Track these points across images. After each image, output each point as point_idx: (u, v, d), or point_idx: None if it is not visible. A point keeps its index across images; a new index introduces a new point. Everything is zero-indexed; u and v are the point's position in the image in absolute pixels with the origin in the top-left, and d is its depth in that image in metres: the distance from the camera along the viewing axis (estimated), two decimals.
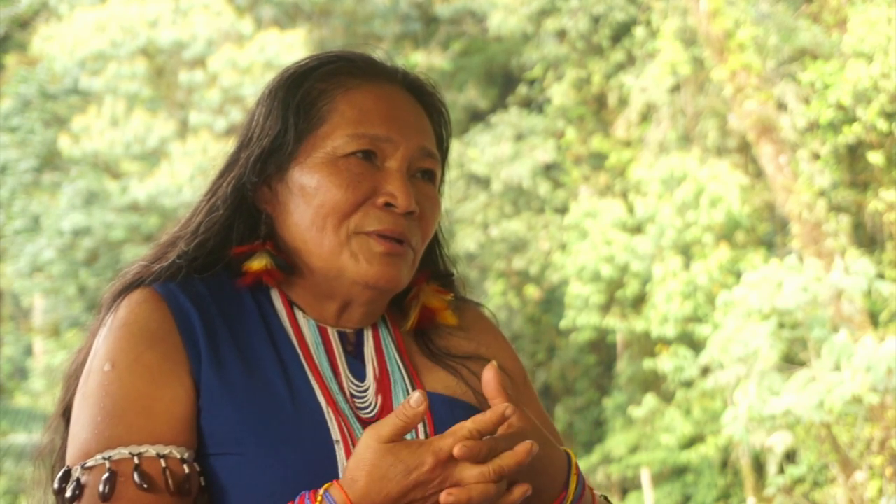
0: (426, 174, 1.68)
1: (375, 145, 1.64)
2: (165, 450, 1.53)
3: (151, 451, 1.52)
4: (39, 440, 1.71)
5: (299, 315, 1.67)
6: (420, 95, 1.72)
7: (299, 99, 1.65)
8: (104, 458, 1.52)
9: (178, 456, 1.53)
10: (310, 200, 1.62)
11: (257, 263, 1.65)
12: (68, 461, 1.56)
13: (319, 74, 1.67)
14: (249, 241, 1.67)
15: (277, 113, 1.66)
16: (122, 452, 1.52)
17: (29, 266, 18.50)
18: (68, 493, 1.52)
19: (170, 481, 1.51)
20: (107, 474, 1.50)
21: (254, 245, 1.66)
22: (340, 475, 1.58)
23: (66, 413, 1.66)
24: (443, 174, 1.75)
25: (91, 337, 1.67)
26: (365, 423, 1.63)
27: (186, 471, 1.53)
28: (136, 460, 1.51)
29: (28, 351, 20.55)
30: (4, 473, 15.19)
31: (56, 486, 1.54)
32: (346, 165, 1.63)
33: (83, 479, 1.52)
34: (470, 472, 1.43)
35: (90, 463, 1.52)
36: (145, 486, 1.50)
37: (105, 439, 1.53)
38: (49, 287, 18.98)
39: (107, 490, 1.50)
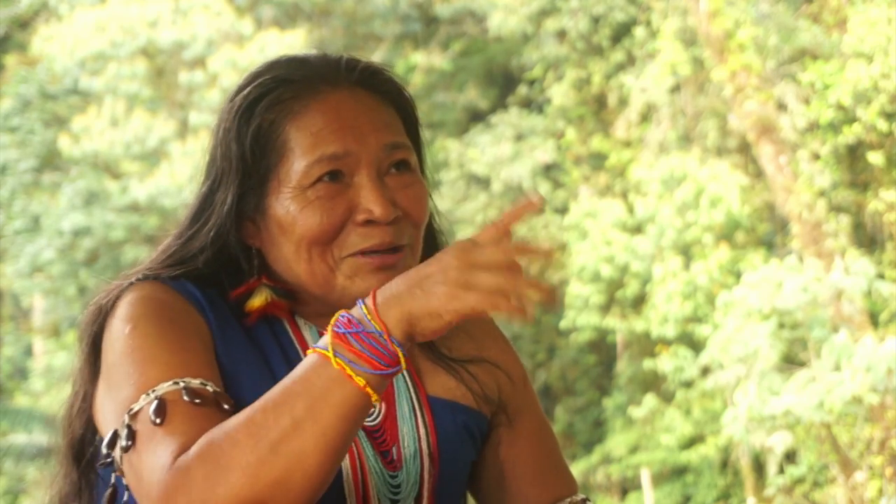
0: (400, 165, 1.64)
1: (337, 164, 1.59)
2: (208, 382, 1.49)
3: (194, 382, 1.48)
4: (49, 484, 1.67)
5: (301, 322, 1.67)
6: (373, 85, 1.66)
7: (251, 138, 1.61)
8: (148, 395, 1.47)
9: (220, 390, 1.50)
10: (290, 236, 1.59)
11: (259, 300, 1.63)
12: (113, 426, 1.50)
13: (265, 105, 1.62)
14: (240, 279, 1.64)
15: (236, 154, 1.62)
16: (164, 386, 1.47)
17: (29, 266, 18.51)
18: (123, 443, 1.46)
19: (221, 401, 1.48)
20: (155, 403, 1.45)
21: (250, 283, 1.64)
22: (344, 485, 1.57)
23: (71, 453, 1.64)
24: (421, 155, 1.71)
25: (80, 374, 1.63)
26: (367, 431, 1.62)
27: (232, 401, 1.50)
28: (181, 385, 1.47)
29: (28, 351, 20.55)
30: (4, 473, 15.18)
31: (105, 450, 1.49)
32: (315, 194, 1.59)
33: (134, 426, 1.46)
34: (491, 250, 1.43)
35: (136, 407, 1.47)
36: (197, 400, 1.46)
37: (144, 383, 1.48)
38: (49, 287, 19.00)
39: (158, 418, 1.44)
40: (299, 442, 1.38)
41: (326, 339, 1.40)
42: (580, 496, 1.74)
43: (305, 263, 1.60)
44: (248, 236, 1.64)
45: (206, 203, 1.65)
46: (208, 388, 1.48)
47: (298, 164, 1.60)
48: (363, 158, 1.61)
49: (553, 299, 1.43)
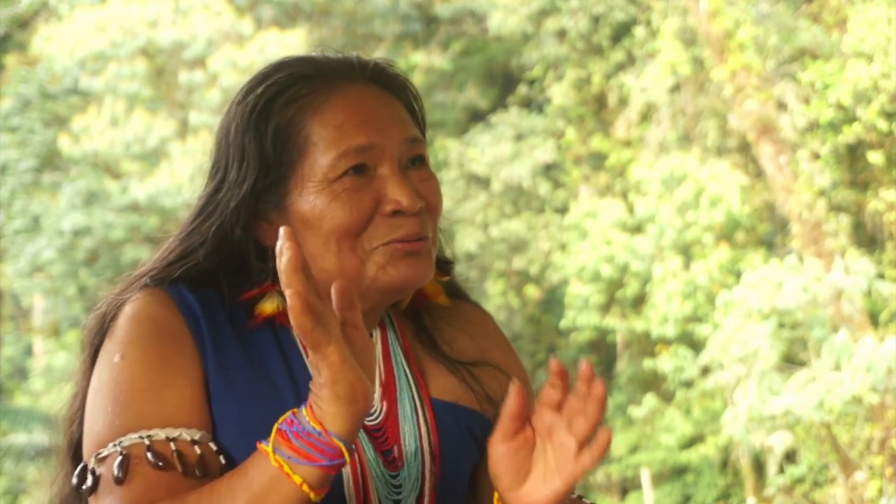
0: (416, 160, 1.66)
1: (363, 157, 1.61)
2: (175, 432, 1.52)
3: (161, 434, 1.52)
4: (50, 482, 1.70)
5: None
6: (384, 81, 1.68)
7: (272, 136, 1.62)
8: (115, 445, 1.52)
9: (188, 438, 1.53)
10: (317, 230, 1.60)
11: (269, 306, 1.64)
12: (84, 457, 1.56)
13: (283, 102, 1.63)
14: (244, 279, 1.65)
15: (254, 153, 1.62)
16: (132, 438, 1.52)
17: (29, 266, 18.50)
18: (87, 484, 1.52)
19: (177, 464, 1.51)
20: (119, 458, 1.50)
21: (264, 287, 1.65)
22: (344, 485, 1.58)
23: (70, 453, 1.66)
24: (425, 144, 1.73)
25: (82, 380, 1.65)
26: (368, 431, 1.63)
27: (198, 452, 1.53)
28: (146, 442, 1.51)
29: (28, 351, 20.54)
30: (4, 473, 15.19)
31: (75, 481, 1.54)
32: (342, 187, 1.60)
33: (98, 470, 1.51)
34: None
35: (104, 453, 1.52)
36: (160, 463, 1.50)
37: (116, 428, 1.53)
38: (49, 287, 18.99)
39: (120, 474, 1.49)
40: None
41: (271, 436, 1.43)
42: (576, 494, 1.74)
43: (334, 257, 1.60)
44: (265, 237, 1.64)
45: (209, 202, 1.66)
46: (172, 445, 1.51)
47: (324, 158, 1.61)
48: (387, 151, 1.62)
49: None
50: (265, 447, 1.42)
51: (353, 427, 1.42)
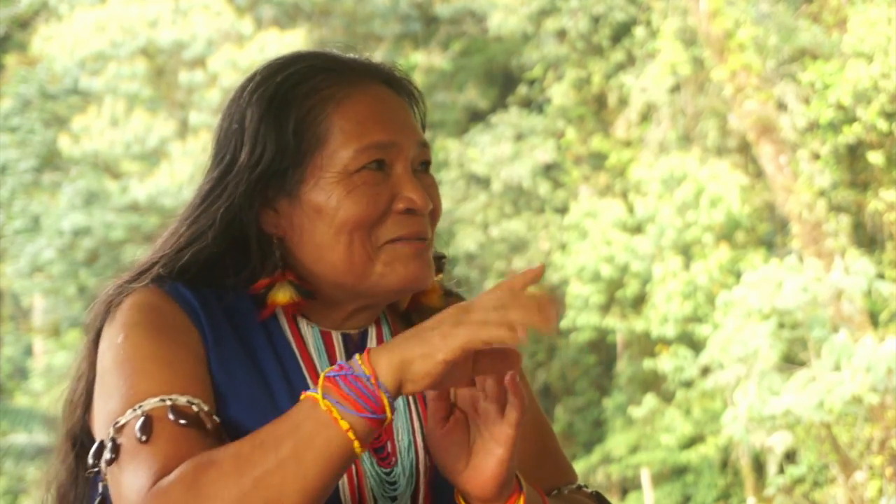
0: (424, 164, 1.69)
1: (383, 153, 1.63)
2: (195, 400, 1.51)
3: (181, 399, 1.50)
4: (46, 470, 1.68)
5: (302, 322, 1.67)
6: (395, 84, 1.71)
7: (294, 124, 1.63)
8: (134, 410, 1.48)
9: (206, 408, 1.51)
10: (330, 220, 1.61)
11: (282, 296, 1.64)
12: (100, 436, 1.52)
13: (305, 91, 1.64)
14: (244, 266, 1.65)
15: (272, 140, 1.63)
16: (151, 402, 1.49)
17: (29, 266, 18.51)
18: (107, 456, 1.47)
19: (204, 420, 1.49)
20: (141, 419, 1.47)
21: (275, 277, 1.64)
22: (339, 486, 1.58)
23: (69, 439, 1.65)
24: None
25: (84, 362, 1.65)
26: None
27: (217, 420, 1.52)
28: (168, 403, 1.49)
29: (28, 351, 20.55)
30: (4, 473, 15.20)
31: (91, 460, 1.51)
32: (361, 180, 1.61)
33: (119, 440, 1.48)
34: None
35: (122, 420, 1.49)
36: (182, 420, 1.47)
37: (132, 396, 1.50)
38: (49, 287, 19.00)
39: (143, 436, 1.46)
40: (280, 480, 1.40)
41: (319, 382, 1.42)
42: (576, 484, 1.74)
43: (345, 248, 1.61)
44: (269, 224, 1.65)
45: (216, 186, 1.66)
46: (193, 407, 1.50)
47: (344, 150, 1.62)
48: (404, 151, 1.65)
49: (550, 324, 1.47)
50: (313, 394, 1.42)
51: (398, 390, 1.42)
